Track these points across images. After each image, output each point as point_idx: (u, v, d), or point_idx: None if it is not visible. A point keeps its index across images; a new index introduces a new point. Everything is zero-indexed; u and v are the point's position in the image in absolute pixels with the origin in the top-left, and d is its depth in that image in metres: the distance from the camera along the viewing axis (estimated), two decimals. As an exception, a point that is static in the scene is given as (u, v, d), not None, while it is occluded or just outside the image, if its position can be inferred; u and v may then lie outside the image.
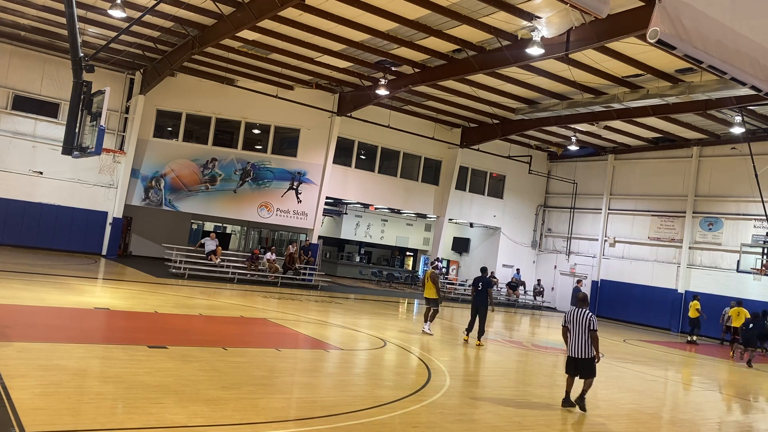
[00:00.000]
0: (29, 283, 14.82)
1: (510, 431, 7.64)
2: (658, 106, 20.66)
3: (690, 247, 26.74)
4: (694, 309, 22.50)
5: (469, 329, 14.81)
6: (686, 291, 26.43)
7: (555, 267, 32.31)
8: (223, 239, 30.10)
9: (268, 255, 24.52)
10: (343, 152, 27.40)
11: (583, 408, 8.93)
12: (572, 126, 25.85)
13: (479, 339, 14.60)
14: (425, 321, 15.46)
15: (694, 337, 22.79)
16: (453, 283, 30.85)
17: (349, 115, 26.25)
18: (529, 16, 15.77)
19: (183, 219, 28.60)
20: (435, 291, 15.52)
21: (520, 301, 30.54)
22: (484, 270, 15.64)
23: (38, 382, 6.93)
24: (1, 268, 17.15)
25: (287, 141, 26.85)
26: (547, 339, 18.44)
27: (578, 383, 9.07)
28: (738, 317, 19.90)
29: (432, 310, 15.51)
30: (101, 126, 11.06)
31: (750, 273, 22.60)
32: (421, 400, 8.36)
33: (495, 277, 30.73)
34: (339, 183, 27.26)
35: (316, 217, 26.42)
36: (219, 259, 23.20)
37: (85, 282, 17.00)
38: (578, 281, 23.11)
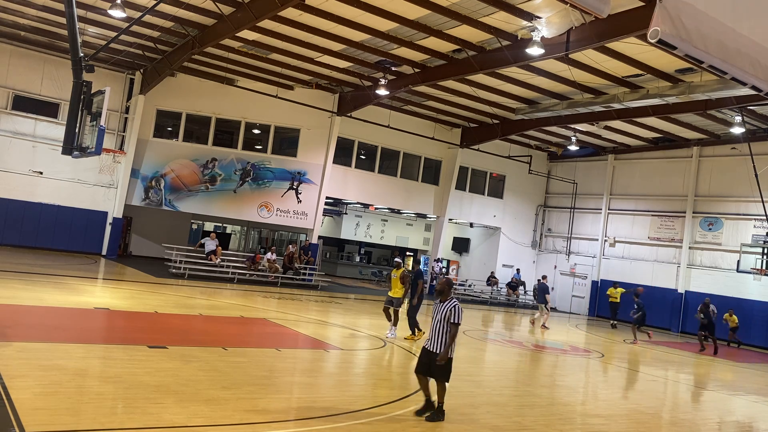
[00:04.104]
0: (29, 283, 14.82)
1: (510, 431, 7.64)
2: (658, 106, 20.65)
3: (690, 247, 26.73)
4: (616, 296, 24.95)
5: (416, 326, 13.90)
6: (686, 291, 26.43)
7: (555, 267, 32.30)
8: (223, 239, 30.10)
9: (269, 255, 24.53)
10: (343, 152, 27.40)
11: (431, 418, 7.31)
12: (572, 126, 25.85)
13: (412, 333, 13.83)
14: (390, 322, 14.04)
15: (614, 322, 25.31)
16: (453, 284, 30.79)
17: (349, 115, 26.25)
18: (529, 16, 15.76)
19: (183, 219, 28.60)
20: (401, 290, 13.98)
21: (520, 301, 30.53)
22: (416, 263, 15.35)
23: (38, 382, 6.93)
24: (1, 268, 17.14)
25: (287, 141, 26.85)
26: (547, 339, 18.44)
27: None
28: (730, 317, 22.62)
29: (394, 311, 14.04)
30: (101, 126, 11.06)
31: (750, 273, 22.61)
32: (421, 400, 8.35)
33: (495, 277, 30.79)
34: (339, 183, 27.26)
35: (316, 217, 26.42)
36: (219, 259, 23.20)
37: (85, 282, 16.99)
38: (543, 278, 23.77)
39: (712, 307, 22.76)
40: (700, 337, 20.26)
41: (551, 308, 23.41)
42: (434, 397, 7.48)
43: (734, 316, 22.92)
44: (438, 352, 7.32)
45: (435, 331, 7.44)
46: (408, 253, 39.12)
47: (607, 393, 11.33)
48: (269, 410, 7.06)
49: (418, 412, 7.42)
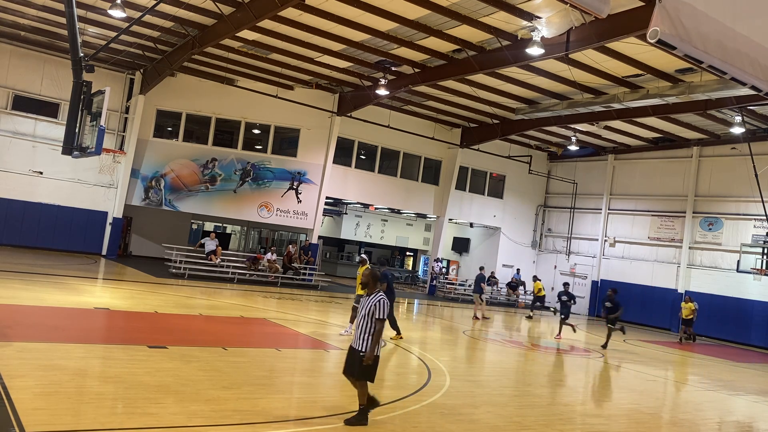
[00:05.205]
0: (29, 283, 14.82)
1: (510, 431, 7.64)
2: (658, 106, 20.66)
3: (690, 247, 26.74)
4: (537, 289, 25.28)
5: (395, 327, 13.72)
6: (686, 291, 26.43)
7: (555, 267, 32.31)
8: (223, 239, 30.11)
9: (269, 255, 24.54)
10: (343, 152, 27.40)
11: (350, 421, 6.68)
12: (572, 126, 25.85)
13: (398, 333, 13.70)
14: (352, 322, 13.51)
15: (532, 312, 25.27)
16: (453, 283, 30.84)
17: (349, 115, 26.25)
18: (529, 16, 15.76)
19: (183, 219, 28.60)
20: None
21: (520, 301, 30.53)
22: (386, 261, 14.54)
23: (38, 382, 6.94)
24: (1, 268, 17.15)
25: (287, 141, 26.85)
26: (548, 339, 18.43)
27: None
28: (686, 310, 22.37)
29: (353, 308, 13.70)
30: (101, 126, 11.07)
31: (750, 273, 22.61)
32: (421, 400, 8.36)
33: (495, 277, 30.77)
34: (339, 183, 27.25)
35: (316, 217, 26.42)
36: (219, 259, 23.21)
37: (85, 282, 17.00)
38: (481, 267, 23.51)
39: (692, 304, 22.71)
40: (610, 330, 17.94)
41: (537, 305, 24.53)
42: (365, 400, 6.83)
43: (690, 304, 22.13)
44: (363, 350, 6.75)
45: (359, 328, 6.86)
46: (408, 253, 39.19)
47: (607, 393, 11.33)
48: (269, 410, 7.06)
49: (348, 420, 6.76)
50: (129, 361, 8.49)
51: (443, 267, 32.08)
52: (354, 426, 6.64)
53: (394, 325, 13.78)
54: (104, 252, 25.08)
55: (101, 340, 10.36)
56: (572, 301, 19.05)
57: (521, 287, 30.88)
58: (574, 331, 19.46)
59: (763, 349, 23.38)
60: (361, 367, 6.73)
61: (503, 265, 32.10)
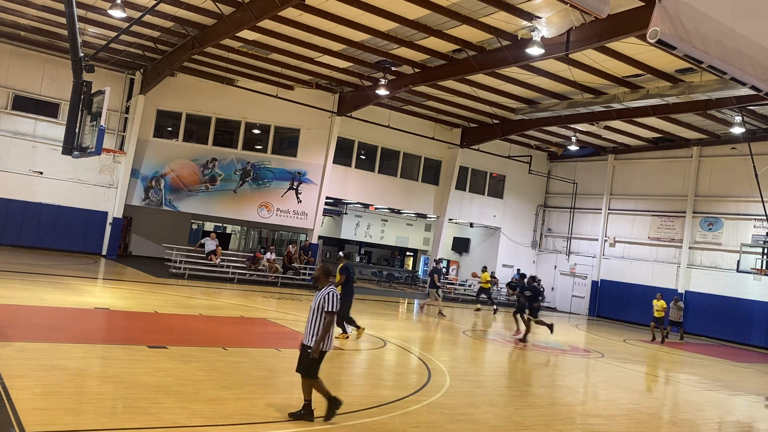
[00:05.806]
0: (29, 283, 14.82)
1: (510, 431, 7.64)
2: (658, 106, 20.66)
3: (690, 247, 26.74)
4: (485, 280, 25.04)
5: (352, 323, 13.00)
6: (686, 291, 26.43)
7: (555, 267, 32.30)
8: (223, 239, 30.10)
9: (268, 255, 24.55)
10: (343, 152, 27.41)
11: (297, 415, 6.69)
12: (572, 126, 25.85)
13: (357, 330, 13.06)
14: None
15: (479, 306, 25.05)
16: (453, 283, 30.84)
17: (349, 115, 26.25)
18: (529, 16, 15.77)
19: (183, 219, 28.60)
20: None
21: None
22: (348, 256, 14.15)
23: (38, 382, 6.94)
24: (1, 268, 17.15)
25: (287, 141, 26.85)
26: (547, 339, 18.42)
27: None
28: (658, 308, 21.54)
29: None
30: (101, 126, 11.07)
31: (750, 273, 22.61)
32: (421, 400, 8.36)
33: (495, 277, 30.75)
34: (339, 183, 27.26)
35: (316, 217, 26.43)
36: (219, 259, 23.21)
37: (85, 282, 16.99)
38: (437, 261, 22.68)
39: (680, 303, 22.57)
40: (527, 321, 16.66)
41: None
42: (329, 396, 6.81)
43: (661, 302, 21.23)
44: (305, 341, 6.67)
45: (309, 323, 6.76)
46: (408, 253, 39.15)
47: (607, 393, 11.33)
48: (269, 410, 7.06)
49: (292, 415, 6.73)
50: (129, 361, 8.49)
51: (443, 267, 32.06)
52: (303, 419, 6.61)
53: (351, 322, 12.91)
54: (104, 252, 25.09)
55: (101, 340, 10.36)
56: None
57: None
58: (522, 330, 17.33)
59: (763, 349, 23.39)
60: (303, 361, 6.69)
61: (503, 265, 32.09)
